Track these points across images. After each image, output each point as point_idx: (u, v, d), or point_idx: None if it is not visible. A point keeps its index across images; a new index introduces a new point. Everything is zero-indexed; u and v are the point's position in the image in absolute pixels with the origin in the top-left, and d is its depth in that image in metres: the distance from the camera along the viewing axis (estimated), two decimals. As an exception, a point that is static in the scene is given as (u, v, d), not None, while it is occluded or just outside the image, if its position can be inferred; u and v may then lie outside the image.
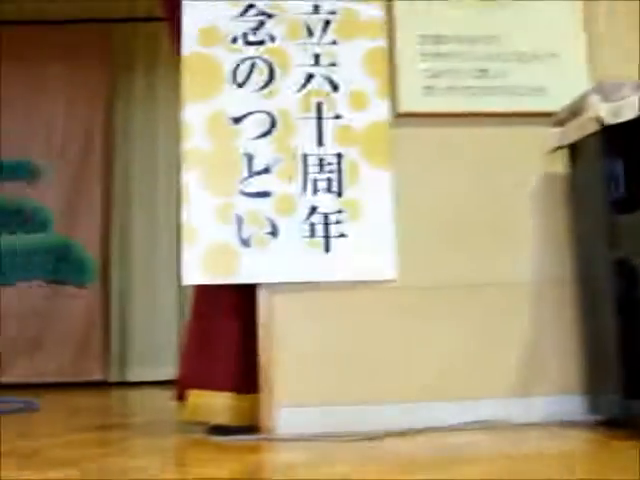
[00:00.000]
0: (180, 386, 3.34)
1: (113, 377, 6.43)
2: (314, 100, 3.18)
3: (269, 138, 3.12)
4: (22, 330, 6.37)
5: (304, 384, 3.05)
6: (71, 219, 6.56)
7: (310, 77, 3.20)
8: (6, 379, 6.12)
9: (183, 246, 3.06)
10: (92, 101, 6.73)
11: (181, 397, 3.26)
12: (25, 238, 6.55)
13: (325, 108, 3.17)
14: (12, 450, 2.97)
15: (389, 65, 3.28)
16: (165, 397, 4.64)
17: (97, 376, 6.29)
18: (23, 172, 6.59)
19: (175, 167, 6.23)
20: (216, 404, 3.08)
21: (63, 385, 6.12)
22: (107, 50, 6.81)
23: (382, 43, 3.27)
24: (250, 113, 3.14)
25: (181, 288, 6.23)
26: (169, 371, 6.09)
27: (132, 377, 6.42)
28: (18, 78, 6.62)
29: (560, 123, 3.15)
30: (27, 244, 6.53)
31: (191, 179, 3.07)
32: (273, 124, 3.13)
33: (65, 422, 4.22)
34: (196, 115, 3.13)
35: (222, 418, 3.07)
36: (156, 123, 6.83)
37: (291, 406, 3.01)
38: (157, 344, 6.44)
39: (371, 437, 2.79)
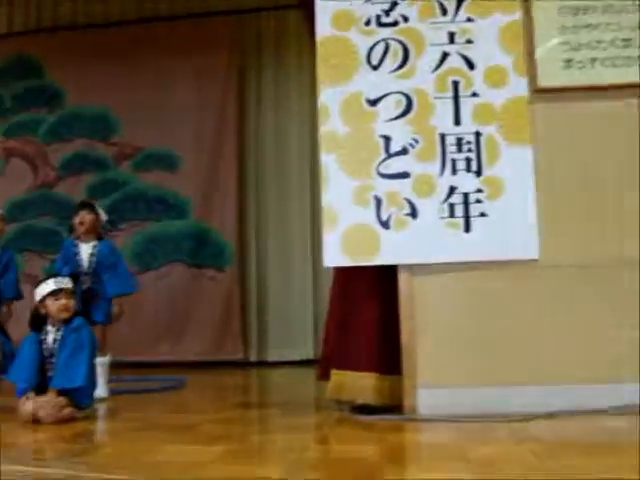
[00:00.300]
0: (323, 365, 3.39)
1: (253, 357, 6.61)
2: (450, 79, 3.11)
3: (406, 119, 3.10)
4: (166, 311, 6.66)
5: (445, 365, 3.03)
6: (208, 205, 6.77)
7: (445, 56, 3.13)
8: (152, 358, 6.42)
9: (323, 228, 3.11)
10: (224, 91, 6.88)
11: (324, 376, 3.30)
12: (167, 225, 6.84)
13: (462, 86, 3.10)
14: (169, 424, 3.18)
15: (526, 39, 3.15)
16: (303, 377, 4.75)
17: (238, 356, 6.46)
18: (165, 161, 6.87)
19: (307, 152, 6.39)
20: (359, 384, 3.11)
21: (206, 364, 6.35)
22: (237, 40, 6.94)
23: (518, 17, 3.15)
24: (386, 95, 3.12)
25: (316, 269, 6.35)
26: (305, 351, 6.25)
27: (271, 357, 6.57)
28: (154, 70, 6.93)
29: None
30: (169, 230, 6.82)
31: (329, 162, 3.10)
32: (409, 105, 3.10)
33: (212, 399, 4.43)
34: (332, 98, 3.15)
35: (365, 397, 3.09)
36: (287, 109, 6.90)
37: (433, 387, 2.98)
38: (294, 325, 6.56)
39: (520, 419, 2.73)
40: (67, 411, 3.30)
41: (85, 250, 4.31)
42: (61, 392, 3.35)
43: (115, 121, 6.98)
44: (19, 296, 4.37)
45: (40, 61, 7.22)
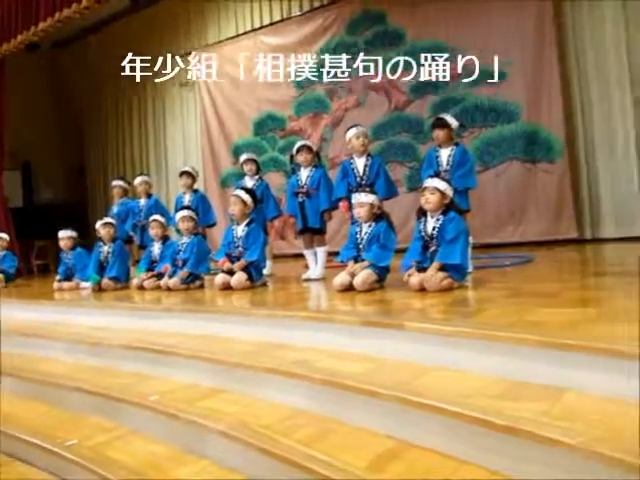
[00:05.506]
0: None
1: (587, 235, 6.58)
2: None
3: None
4: (506, 201, 6.92)
5: None
6: (536, 109, 6.72)
7: None
8: (497, 240, 6.81)
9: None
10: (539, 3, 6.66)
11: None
12: (501, 129, 6.95)
13: None
14: (534, 292, 3.24)
15: None
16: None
17: (572, 234, 6.50)
18: (492, 77, 6.85)
19: (623, 50, 6.00)
20: None
21: (544, 243, 6.51)
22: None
23: None
24: None
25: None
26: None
27: (604, 234, 6.47)
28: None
29: None
30: (503, 133, 6.94)
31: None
32: None
33: (561, 272, 4.50)
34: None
35: None
36: (600, 9, 6.43)
37: None
38: (624, 204, 6.32)
39: None
40: (446, 282, 3.46)
41: (444, 154, 4.53)
42: (441, 267, 3.49)
43: (446, 49, 7.12)
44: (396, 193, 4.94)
45: (383, 11, 7.72)
